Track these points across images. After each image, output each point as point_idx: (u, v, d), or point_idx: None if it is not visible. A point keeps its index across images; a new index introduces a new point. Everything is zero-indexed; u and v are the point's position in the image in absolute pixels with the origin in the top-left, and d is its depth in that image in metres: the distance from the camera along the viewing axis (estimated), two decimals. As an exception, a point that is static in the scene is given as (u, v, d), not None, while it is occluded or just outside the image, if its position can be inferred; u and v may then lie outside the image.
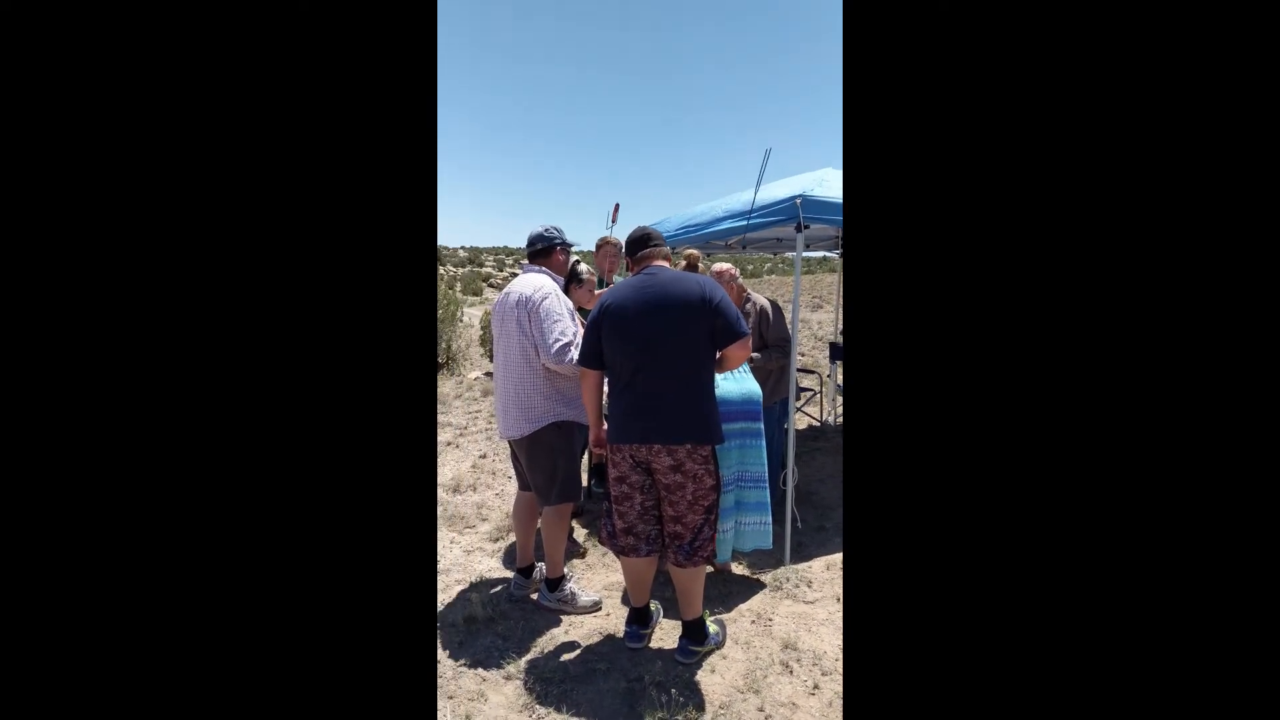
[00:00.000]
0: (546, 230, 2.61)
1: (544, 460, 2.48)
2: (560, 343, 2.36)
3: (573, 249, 2.74)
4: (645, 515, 2.21)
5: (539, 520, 2.66)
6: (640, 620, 2.38)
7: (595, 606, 2.64)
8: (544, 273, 2.56)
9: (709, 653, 2.31)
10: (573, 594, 2.62)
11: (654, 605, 2.50)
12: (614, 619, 2.58)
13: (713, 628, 2.35)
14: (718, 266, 3.28)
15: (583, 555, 3.13)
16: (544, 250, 2.60)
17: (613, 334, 2.13)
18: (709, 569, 2.98)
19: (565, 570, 2.67)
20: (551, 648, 2.40)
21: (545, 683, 2.18)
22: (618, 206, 3.74)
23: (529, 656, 2.34)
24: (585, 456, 3.91)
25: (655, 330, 2.07)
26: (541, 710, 2.06)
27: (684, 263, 2.79)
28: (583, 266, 2.92)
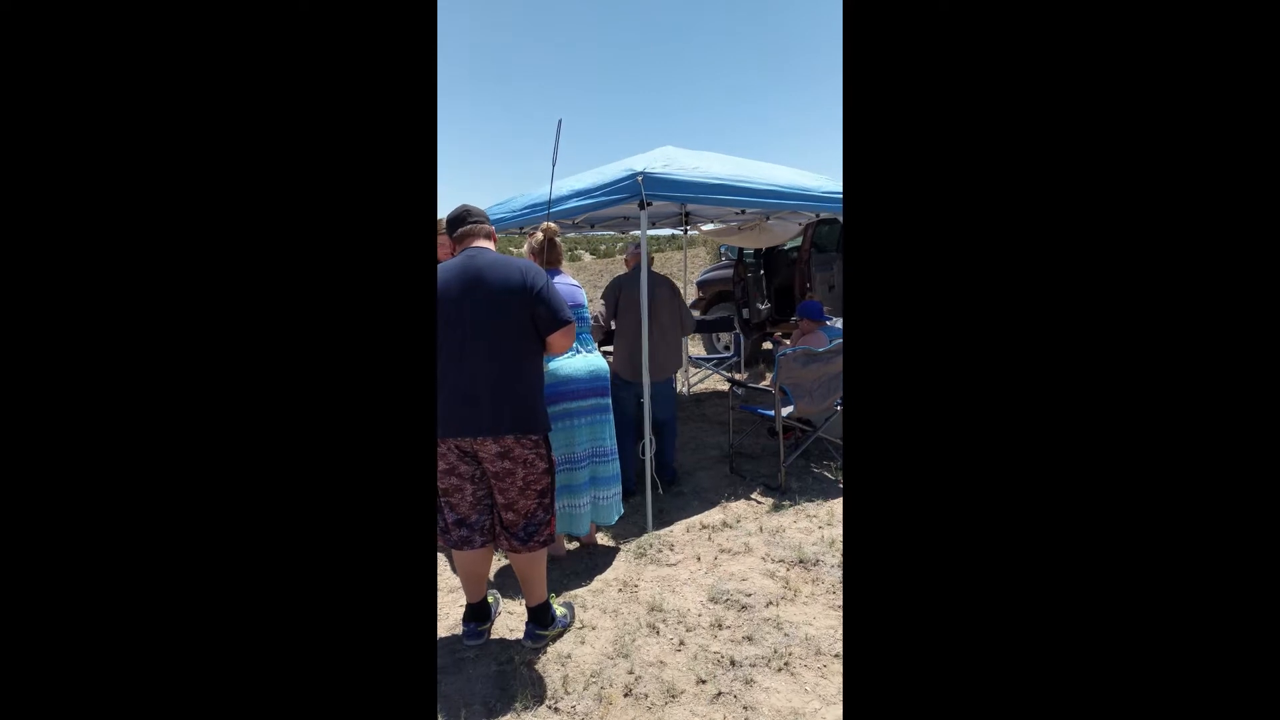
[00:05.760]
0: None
1: None
2: None
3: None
4: (478, 505, 2.15)
5: None
6: (478, 616, 2.31)
7: None
8: None
9: (558, 635, 2.31)
10: None
11: (492, 596, 2.44)
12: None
13: (559, 610, 2.34)
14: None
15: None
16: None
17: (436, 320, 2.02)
18: (573, 544, 3.01)
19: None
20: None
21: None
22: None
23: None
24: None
25: (478, 316, 2.00)
26: (409, 709, 2.00)
27: (541, 235, 2.66)
28: None
